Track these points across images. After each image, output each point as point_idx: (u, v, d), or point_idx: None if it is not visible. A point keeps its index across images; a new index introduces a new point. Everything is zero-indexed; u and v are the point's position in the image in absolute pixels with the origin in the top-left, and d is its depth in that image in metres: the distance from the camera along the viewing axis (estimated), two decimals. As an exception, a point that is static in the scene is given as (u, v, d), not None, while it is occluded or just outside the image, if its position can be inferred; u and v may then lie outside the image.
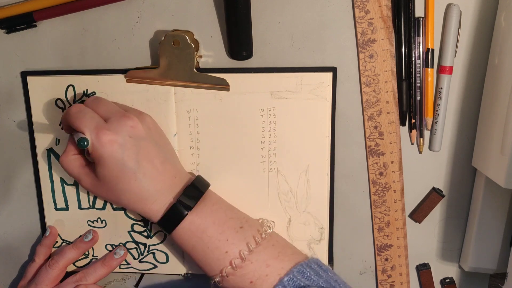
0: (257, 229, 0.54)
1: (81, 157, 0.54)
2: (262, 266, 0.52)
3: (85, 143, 0.49)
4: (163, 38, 0.53)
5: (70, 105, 0.57)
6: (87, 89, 0.57)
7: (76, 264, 0.62)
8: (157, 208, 0.52)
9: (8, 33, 0.56)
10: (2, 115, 0.59)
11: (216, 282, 0.52)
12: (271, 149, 0.57)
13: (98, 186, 0.52)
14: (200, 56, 0.55)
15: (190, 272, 0.62)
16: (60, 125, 0.58)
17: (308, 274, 0.51)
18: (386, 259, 0.60)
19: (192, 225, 0.52)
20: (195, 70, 0.54)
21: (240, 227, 0.53)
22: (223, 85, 0.55)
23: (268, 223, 0.56)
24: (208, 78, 0.55)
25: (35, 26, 0.56)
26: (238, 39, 0.54)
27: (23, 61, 0.57)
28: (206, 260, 0.52)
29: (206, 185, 0.55)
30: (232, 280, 0.52)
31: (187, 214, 0.51)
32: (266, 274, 0.51)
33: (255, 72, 0.55)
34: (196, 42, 0.55)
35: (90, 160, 0.53)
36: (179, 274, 0.62)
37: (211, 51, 0.56)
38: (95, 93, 0.57)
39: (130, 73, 0.56)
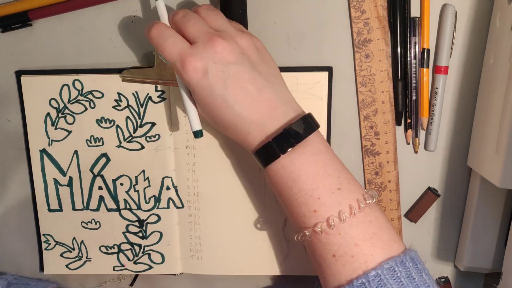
0: (357, 197, 0.45)
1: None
2: (350, 243, 0.44)
3: (200, 134, 0.48)
4: None
5: (65, 105, 0.57)
6: (82, 89, 0.56)
7: (69, 266, 0.62)
8: (251, 141, 0.47)
9: (3, 32, 0.56)
10: (-3, 114, 0.59)
11: (299, 238, 0.47)
12: None
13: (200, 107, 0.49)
14: None
15: (186, 272, 0.61)
16: (53, 125, 0.58)
17: (399, 274, 0.43)
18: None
19: (283, 170, 0.46)
20: None
21: (338, 188, 0.46)
22: None
23: (372, 192, 0.47)
24: None
25: (30, 25, 0.56)
26: (234, 39, 0.54)
27: (18, 60, 0.57)
28: (292, 211, 0.47)
29: (311, 128, 0.47)
30: (315, 244, 0.45)
31: (279, 157, 0.46)
32: (352, 255, 0.44)
33: None
34: None
35: None
36: (175, 274, 0.62)
37: (207, 50, 0.56)
38: (90, 93, 0.57)
39: (125, 72, 0.55)
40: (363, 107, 0.56)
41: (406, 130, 0.57)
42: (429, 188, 0.59)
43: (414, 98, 0.56)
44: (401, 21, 0.54)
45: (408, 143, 0.57)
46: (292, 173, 0.46)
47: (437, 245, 0.60)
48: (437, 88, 0.55)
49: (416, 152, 0.57)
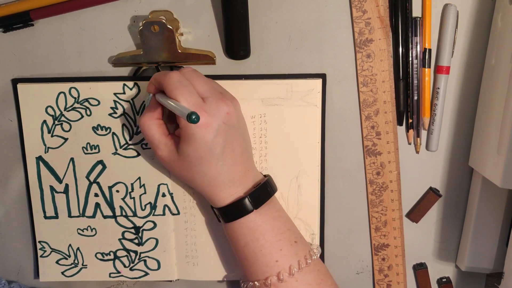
0: (308, 249, 0.53)
1: (164, 124, 0.52)
2: None
3: (197, 119, 0.43)
4: (141, 26, 0.52)
5: (61, 112, 0.57)
6: (78, 96, 0.56)
7: (65, 273, 0.61)
8: (224, 196, 0.51)
9: (4, 32, 0.56)
10: (-2, 114, 0.59)
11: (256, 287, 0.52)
12: (262, 155, 0.57)
13: (175, 160, 0.51)
14: (181, 34, 0.55)
15: (182, 278, 0.61)
16: (49, 133, 0.57)
17: None
18: (383, 259, 0.60)
19: (253, 223, 0.51)
20: (178, 50, 0.54)
21: (295, 241, 0.53)
22: (209, 59, 0.55)
23: (316, 246, 0.56)
24: (192, 55, 0.55)
25: (32, 25, 0.56)
26: (236, 39, 0.54)
27: (19, 60, 0.57)
28: (254, 263, 0.52)
29: (275, 189, 0.55)
30: None
31: (252, 211, 0.51)
32: None
33: (246, 79, 0.55)
34: (175, 22, 0.54)
35: (170, 131, 0.52)
36: (171, 281, 0.61)
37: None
38: (86, 100, 0.56)
39: (116, 59, 0.55)
40: (364, 107, 0.56)
41: (407, 130, 0.57)
42: (430, 188, 0.59)
43: (415, 98, 0.56)
44: (402, 21, 0.54)
45: (409, 143, 0.57)
46: (260, 226, 0.51)
47: (438, 245, 0.60)
48: (438, 88, 0.55)
49: (417, 152, 0.57)
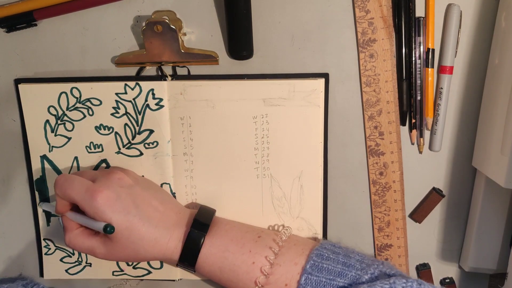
0: (275, 235, 0.55)
1: (84, 228, 0.54)
2: (291, 265, 0.52)
3: (112, 229, 0.49)
4: (144, 26, 0.53)
5: (63, 112, 0.57)
6: (80, 96, 0.56)
7: (69, 271, 0.61)
8: (174, 245, 0.53)
9: (8, 32, 0.56)
10: (1, 114, 0.59)
11: None
12: (264, 155, 0.57)
13: (113, 248, 0.52)
14: (184, 34, 0.55)
15: (184, 277, 0.61)
16: (52, 132, 0.58)
17: (326, 254, 0.52)
18: (386, 259, 0.60)
19: (213, 247, 0.53)
20: (181, 50, 0.54)
21: (258, 236, 0.54)
22: (212, 59, 0.55)
23: (285, 228, 0.57)
24: (195, 55, 0.55)
25: (35, 25, 0.56)
26: (239, 39, 0.54)
27: (22, 60, 0.57)
28: (237, 277, 0.53)
29: (212, 211, 0.57)
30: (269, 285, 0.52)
31: (204, 239, 0.53)
32: (298, 272, 0.51)
33: (248, 78, 0.55)
34: (178, 22, 0.54)
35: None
36: (174, 280, 0.62)
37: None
38: (88, 100, 0.57)
39: (118, 59, 0.55)
40: (367, 107, 0.56)
41: (410, 130, 0.57)
42: (433, 189, 0.59)
43: (418, 98, 0.55)
44: (406, 21, 0.54)
45: (412, 143, 0.57)
46: (220, 245, 0.53)
47: (441, 246, 0.60)
48: (442, 88, 0.55)
49: (420, 152, 0.57)
